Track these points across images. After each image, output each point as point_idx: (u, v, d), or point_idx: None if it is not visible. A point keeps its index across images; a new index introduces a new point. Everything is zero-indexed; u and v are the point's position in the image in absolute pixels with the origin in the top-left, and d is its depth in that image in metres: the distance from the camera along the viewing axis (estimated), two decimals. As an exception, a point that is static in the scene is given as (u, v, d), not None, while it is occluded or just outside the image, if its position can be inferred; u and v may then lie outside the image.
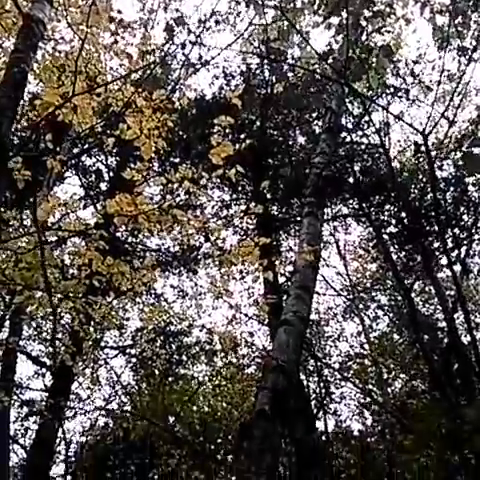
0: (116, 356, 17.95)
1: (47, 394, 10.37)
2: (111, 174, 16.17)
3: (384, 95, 11.99)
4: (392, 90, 9.21)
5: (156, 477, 13.05)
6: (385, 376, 15.92)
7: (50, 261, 6.75)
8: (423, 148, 3.89)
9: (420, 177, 11.65)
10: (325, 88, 11.34)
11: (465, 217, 11.47)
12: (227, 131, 5.30)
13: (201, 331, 16.34)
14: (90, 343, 7.94)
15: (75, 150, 15.19)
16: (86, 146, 15.02)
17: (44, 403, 10.55)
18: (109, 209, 5.73)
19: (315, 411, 14.29)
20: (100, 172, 16.36)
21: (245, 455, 4.46)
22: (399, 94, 11.11)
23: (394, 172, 8.77)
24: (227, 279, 7.67)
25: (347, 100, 12.79)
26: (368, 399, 14.26)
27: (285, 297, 6.65)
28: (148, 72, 6.81)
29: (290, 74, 12.56)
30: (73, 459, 17.30)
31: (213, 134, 5.19)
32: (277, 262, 12.19)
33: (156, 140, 5.50)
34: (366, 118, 12.97)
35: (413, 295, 15.10)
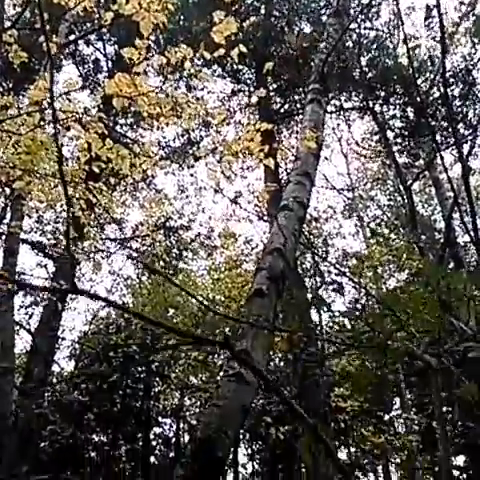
0: (116, 251, 18.29)
1: (50, 280, 10.63)
2: (109, 64, 15.72)
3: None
4: None
5: (156, 359, 13.62)
6: (381, 273, 16.25)
7: (48, 146, 6.69)
8: (435, 12, 3.70)
9: (428, 71, 11.31)
10: None
11: (471, 113, 11.22)
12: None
13: (201, 226, 16.53)
14: (92, 230, 8.00)
15: (72, 37, 14.62)
16: (83, 32, 14.44)
17: (47, 291, 10.83)
18: (108, 90, 5.59)
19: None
20: (98, 62, 15.88)
21: (242, 327, 4.62)
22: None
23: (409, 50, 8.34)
24: (228, 169, 7.63)
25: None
26: (363, 294, 14.62)
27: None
28: None
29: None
30: (77, 345, 18.08)
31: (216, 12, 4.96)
32: (279, 157, 12.02)
33: (156, 15, 5.25)
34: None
35: (413, 195, 15.09)
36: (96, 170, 7.31)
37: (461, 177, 9.58)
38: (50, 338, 10.19)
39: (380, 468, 23.61)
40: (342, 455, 21.06)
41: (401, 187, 16.15)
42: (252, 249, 15.99)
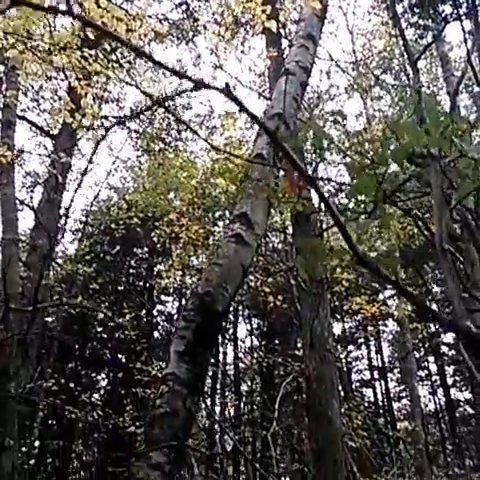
0: (115, 130, 18.07)
1: (49, 155, 10.56)
2: None
3: None
4: None
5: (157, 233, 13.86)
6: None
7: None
8: None
9: None
10: None
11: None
12: None
13: (201, 103, 16.16)
14: (90, 106, 7.82)
15: None
16: None
17: (48, 168, 10.81)
18: None
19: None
20: None
21: (242, 192, 4.64)
22: None
23: None
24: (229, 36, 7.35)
25: None
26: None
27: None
28: None
29: None
30: (79, 225, 18.39)
31: None
32: (281, 31, 11.46)
33: None
34: None
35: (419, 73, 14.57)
36: (91, 36, 7.05)
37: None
38: (53, 214, 10.28)
39: (373, 344, 24.90)
40: (337, 329, 22.15)
41: (407, 66, 15.60)
42: (252, 125, 15.68)
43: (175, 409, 3.07)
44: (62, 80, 13.15)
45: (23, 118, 12.35)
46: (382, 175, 2.00)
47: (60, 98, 12.76)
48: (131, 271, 22.65)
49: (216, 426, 15.04)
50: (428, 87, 18.60)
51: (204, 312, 3.66)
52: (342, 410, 9.46)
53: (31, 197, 16.11)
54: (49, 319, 14.99)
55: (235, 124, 16.06)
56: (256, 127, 15.87)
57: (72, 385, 11.27)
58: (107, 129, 13.20)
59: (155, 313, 21.92)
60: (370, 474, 10.92)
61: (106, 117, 14.76)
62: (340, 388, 10.05)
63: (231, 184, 12.43)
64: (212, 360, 18.66)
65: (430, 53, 17.06)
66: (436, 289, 24.69)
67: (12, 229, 8.44)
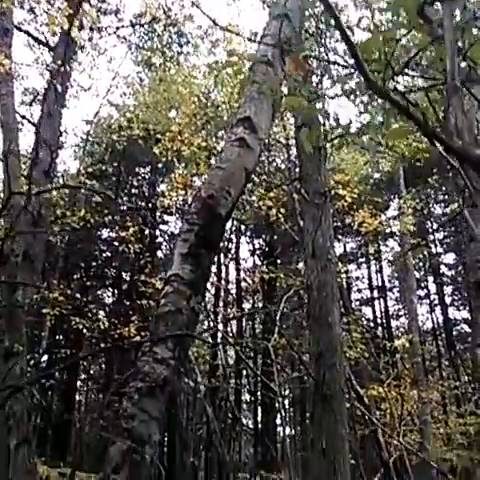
0: (116, 45, 17.57)
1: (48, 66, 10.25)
2: None
3: None
4: None
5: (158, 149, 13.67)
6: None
7: None
8: None
9: None
10: None
11: None
12: None
13: (204, 14, 15.50)
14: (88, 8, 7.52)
15: None
16: None
17: (44, 88, 10.53)
18: None
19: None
20: None
21: (245, 95, 4.54)
22: None
23: None
24: None
25: None
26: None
27: None
28: None
29: None
30: (81, 144, 18.20)
31: None
32: None
33: None
34: None
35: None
36: None
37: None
38: (54, 127, 10.10)
39: (373, 263, 25.21)
40: (338, 249, 22.38)
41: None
42: (256, 35, 15.11)
43: (179, 308, 3.11)
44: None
45: (19, 29, 11.92)
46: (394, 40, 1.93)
47: (59, 8, 12.29)
48: (133, 191, 22.67)
49: (218, 339, 15.48)
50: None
51: (207, 215, 3.63)
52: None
53: (31, 114, 15.80)
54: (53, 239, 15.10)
55: (238, 36, 15.51)
56: (258, 38, 15.31)
57: (78, 296, 11.50)
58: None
59: (158, 233, 22.13)
60: (367, 384, 11.35)
61: (105, 29, 14.27)
62: (340, 302, 10.23)
63: (233, 90, 12.06)
64: (215, 278, 18.99)
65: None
66: (438, 210, 24.78)
67: (13, 140, 8.36)
